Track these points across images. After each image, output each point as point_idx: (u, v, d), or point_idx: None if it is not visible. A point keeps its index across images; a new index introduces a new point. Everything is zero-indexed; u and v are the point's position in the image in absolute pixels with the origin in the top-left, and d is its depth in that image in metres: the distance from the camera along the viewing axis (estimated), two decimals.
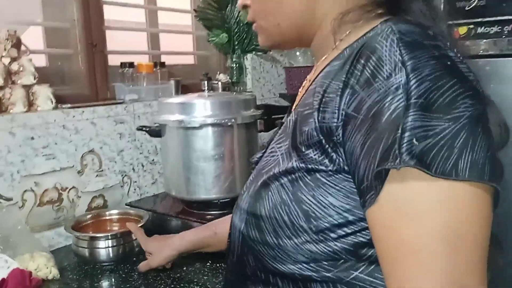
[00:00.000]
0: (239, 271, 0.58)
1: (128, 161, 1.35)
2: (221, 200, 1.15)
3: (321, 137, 0.47)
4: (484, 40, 1.05)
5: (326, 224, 0.48)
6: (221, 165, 1.13)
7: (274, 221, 0.50)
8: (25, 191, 1.14)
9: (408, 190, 0.41)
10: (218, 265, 1.03)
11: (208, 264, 1.04)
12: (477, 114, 0.41)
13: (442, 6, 1.09)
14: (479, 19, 1.05)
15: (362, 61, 0.45)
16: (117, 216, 1.19)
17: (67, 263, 1.09)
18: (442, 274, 0.39)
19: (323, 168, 0.47)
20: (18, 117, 1.12)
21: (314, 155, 0.48)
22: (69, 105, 1.24)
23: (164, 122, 1.16)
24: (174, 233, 1.16)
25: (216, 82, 1.58)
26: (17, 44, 1.16)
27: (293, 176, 0.50)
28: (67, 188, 1.22)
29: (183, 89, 1.56)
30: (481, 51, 1.04)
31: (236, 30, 1.67)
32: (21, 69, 1.15)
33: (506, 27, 1.01)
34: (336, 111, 0.46)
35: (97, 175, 1.27)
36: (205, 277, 0.98)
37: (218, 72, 1.70)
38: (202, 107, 1.13)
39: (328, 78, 0.49)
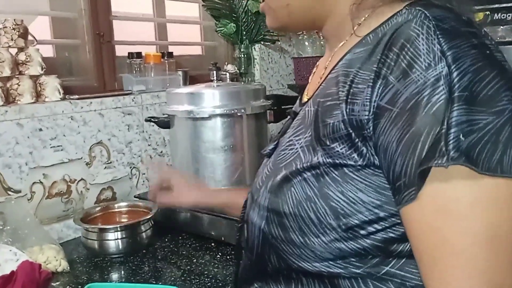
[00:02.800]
0: (259, 269, 0.56)
1: (136, 153, 1.34)
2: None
3: (350, 131, 0.44)
4: (502, 27, 1.01)
5: (356, 221, 0.45)
6: (230, 156, 1.12)
7: (299, 218, 0.48)
8: (34, 183, 1.13)
9: (453, 188, 0.39)
10: (228, 257, 1.02)
11: (218, 256, 1.03)
12: None
13: None
14: (496, 5, 1.02)
15: (396, 50, 0.42)
16: (126, 209, 1.18)
17: (76, 256, 1.08)
18: (484, 276, 0.38)
19: (352, 162, 0.45)
20: (26, 108, 1.11)
21: (341, 149, 0.45)
22: (76, 96, 1.22)
23: (172, 112, 1.15)
24: (183, 225, 1.16)
25: (224, 72, 1.56)
26: (24, 34, 1.14)
27: (318, 171, 0.47)
28: (75, 180, 1.21)
29: (191, 80, 1.55)
30: (498, 38, 1.01)
31: (244, 20, 1.65)
32: (28, 59, 1.14)
33: None
34: (368, 103, 0.43)
35: (105, 167, 1.27)
36: (216, 269, 0.97)
37: (226, 63, 1.68)
38: (211, 97, 1.11)
39: (353, 67, 0.46)
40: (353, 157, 0.45)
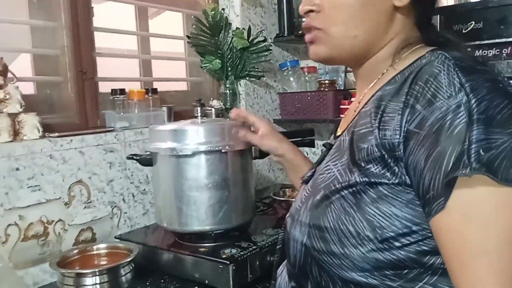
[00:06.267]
0: (300, 281, 0.61)
1: (118, 191, 1.30)
2: (215, 232, 1.10)
3: (383, 153, 0.51)
4: None
5: (390, 233, 0.51)
6: (214, 194, 1.08)
7: (339, 231, 0.54)
8: (9, 225, 1.08)
9: (476, 195, 0.45)
10: None
11: None
12: None
13: (438, 29, 1.08)
14: (477, 42, 1.03)
15: (421, 84, 0.50)
16: (105, 251, 1.13)
17: None
18: (508, 274, 0.44)
19: (385, 181, 0.51)
20: (2, 147, 1.07)
21: (375, 169, 0.52)
22: (56, 134, 1.19)
23: (155, 150, 1.12)
24: (165, 267, 1.11)
25: (209, 108, 1.54)
26: (3, 71, 1.12)
27: (355, 189, 0.53)
28: (53, 221, 1.16)
29: (175, 116, 1.53)
30: None
31: (229, 56, 1.66)
32: (7, 97, 1.11)
33: (504, 49, 1.00)
34: (398, 128, 0.50)
35: (85, 207, 1.22)
36: None
37: (212, 98, 1.68)
38: (194, 134, 1.09)
39: (384, 100, 0.54)
40: (387, 176, 0.51)
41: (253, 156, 1.19)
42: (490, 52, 1.01)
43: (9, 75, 1.15)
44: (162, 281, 1.08)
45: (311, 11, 0.61)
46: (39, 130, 1.15)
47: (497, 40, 1.00)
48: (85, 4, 1.35)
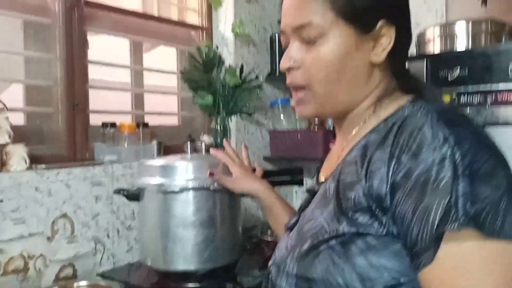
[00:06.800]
0: None
1: (103, 226, 1.27)
2: (200, 272, 1.07)
3: (371, 203, 0.51)
4: (468, 109, 1.05)
5: (379, 285, 0.51)
6: (201, 232, 1.07)
7: (327, 283, 0.53)
8: None
9: (464, 249, 0.45)
10: None
11: None
12: (511, 181, 0.48)
13: (425, 75, 1.11)
14: (462, 89, 1.06)
15: (406, 135, 0.51)
16: None
17: None
18: None
19: (373, 231, 0.51)
20: None
21: (363, 219, 0.52)
22: (43, 166, 1.18)
23: (143, 185, 1.11)
24: None
25: (200, 143, 1.55)
26: None
27: (343, 239, 0.53)
28: (34, 256, 1.12)
29: (166, 150, 1.52)
30: None
31: (221, 92, 1.68)
32: None
33: (489, 96, 1.03)
34: (385, 179, 0.50)
35: (68, 242, 1.19)
36: None
37: (202, 133, 1.68)
38: (183, 170, 1.08)
39: (370, 149, 0.54)
40: (374, 226, 0.51)
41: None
42: (474, 99, 1.04)
43: (0, 105, 1.15)
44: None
45: (290, 68, 0.62)
46: (26, 162, 1.14)
47: (481, 88, 1.03)
48: (81, 36, 1.37)
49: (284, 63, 0.62)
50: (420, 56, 1.22)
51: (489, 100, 1.02)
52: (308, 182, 1.81)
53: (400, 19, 0.60)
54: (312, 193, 0.66)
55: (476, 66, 1.06)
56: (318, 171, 0.72)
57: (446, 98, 1.07)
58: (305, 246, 0.57)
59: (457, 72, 1.07)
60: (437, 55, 1.22)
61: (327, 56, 0.59)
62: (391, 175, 0.50)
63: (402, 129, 0.52)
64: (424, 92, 0.60)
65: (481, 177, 0.46)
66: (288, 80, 0.63)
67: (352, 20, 0.58)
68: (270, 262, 0.66)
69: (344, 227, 0.53)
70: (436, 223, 0.46)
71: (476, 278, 0.45)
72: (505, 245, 0.45)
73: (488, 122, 1.03)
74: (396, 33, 0.59)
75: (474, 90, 1.04)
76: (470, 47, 1.20)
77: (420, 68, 1.12)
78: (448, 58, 1.14)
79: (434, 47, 1.26)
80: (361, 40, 0.59)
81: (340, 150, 0.64)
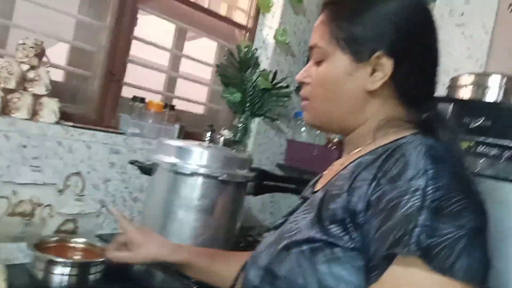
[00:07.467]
0: None
1: (111, 192, 1.33)
2: None
3: (346, 216, 0.55)
4: (482, 159, 1.06)
5: None
6: (201, 217, 1.11)
7: (289, 282, 0.57)
8: (1, 197, 1.11)
9: (409, 275, 0.48)
10: None
11: None
12: (478, 226, 0.50)
13: (447, 116, 1.12)
14: (482, 138, 1.07)
15: (392, 161, 0.54)
16: (82, 245, 1.14)
17: (18, 282, 1.03)
18: None
19: (342, 243, 0.54)
20: (18, 122, 1.12)
21: (336, 230, 0.55)
22: (71, 123, 1.24)
23: (157, 161, 1.16)
24: (135, 275, 1.11)
25: (219, 136, 1.59)
26: (40, 54, 1.19)
27: (314, 245, 0.56)
28: (42, 204, 1.19)
29: (186, 135, 1.58)
30: (477, 169, 1.06)
31: (250, 93, 1.72)
32: (36, 78, 1.18)
33: (506, 151, 1.03)
34: (364, 197, 0.54)
35: (76, 199, 1.25)
36: None
37: (224, 128, 1.73)
38: (198, 156, 1.13)
39: (360, 167, 0.58)
40: (344, 239, 0.54)
41: (248, 191, 1.22)
42: (491, 151, 1.05)
43: (44, 59, 1.22)
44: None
45: (304, 82, 0.69)
46: (56, 116, 1.21)
47: (500, 142, 1.04)
48: (132, 13, 1.44)
49: (298, 76, 0.70)
50: (448, 99, 1.23)
51: (505, 155, 1.03)
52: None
53: (406, 52, 0.62)
54: (304, 199, 0.70)
55: (501, 119, 1.07)
56: (316, 181, 0.76)
57: (464, 145, 1.09)
58: (281, 245, 0.61)
59: (480, 121, 1.08)
60: (464, 100, 1.23)
61: (325, 77, 0.65)
62: (370, 194, 0.53)
63: (391, 155, 0.55)
64: (439, 131, 0.61)
65: (446, 215, 0.48)
66: (301, 92, 0.71)
67: (347, 48, 0.63)
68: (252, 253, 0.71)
69: (317, 234, 0.57)
70: (390, 244, 0.48)
71: None
72: (451, 283, 0.47)
73: (499, 176, 1.04)
74: (399, 65, 0.61)
75: (493, 143, 1.05)
76: (499, 100, 1.21)
77: (445, 111, 1.14)
78: (475, 106, 1.15)
79: (465, 93, 1.27)
80: (356, 67, 0.63)
81: (340, 165, 0.68)
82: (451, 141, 0.61)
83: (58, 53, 1.41)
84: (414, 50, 0.64)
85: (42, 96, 1.19)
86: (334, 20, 0.65)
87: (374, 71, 0.62)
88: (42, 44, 1.20)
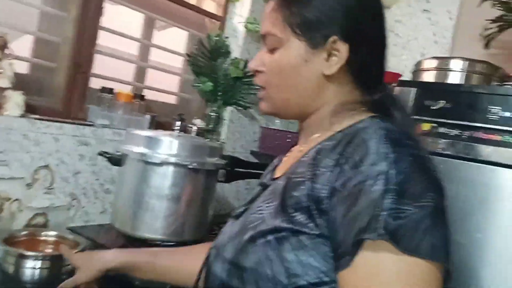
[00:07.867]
0: None
1: (81, 184, 1.32)
2: (164, 243, 1.12)
3: (310, 204, 0.55)
4: (443, 140, 1.10)
5: (303, 281, 0.54)
6: (172, 206, 1.12)
7: (256, 273, 0.57)
8: None
9: (379, 258, 0.49)
10: None
11: None
12: (439, 206, 0.51)
13: (411, 102, 1.16)
14: (443, 120, 1.11)
15: (353, 147, 0.55)
16: (53, 238, 1.14)
17: None
18: None
19: (307, 231, 0.54)
20: None
21: (301, 218, 0.55)
22: (37, 116, 1.23)
23: (126, 151, 1.16)
24: None
25: (191, 125, 1.59)
26: (2, 46, 1.17)
27: (279, 235, 0.56)
28: (10, 199, 1.17)
29: (158, 126, 1.57)
30: (438, 149, 1.09)
31: (222, 81, 1.72)
32: (0, 71, 1.15)
33: (465, 132, 1.07)
34: (327, 183, 0.54)
35: (45, 192, 1.24)
36: None
37: (196, 117, 1.73)
38: (167, 145, 1.13)
39: (321, 154, 0.58)
40: (309, 226, 0.54)
41: (219, 179, 1.23)
42: (452, 131, 1.09)
43: (7, 51, 1.19)
44: (101, 280, 1.08)
45: (258, 71, 0.68)
46: (21, 109, 1.19)
47: (461, 122, 1.08)
48: (98, 2, 1.42)
49: (250, 64, 0.69)
50: (411, 82, 1.27)
51: (464, 135, 1.07)
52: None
53: (359, 36, 0.63)
54: (264, 186, 0.69)
55: (460, 102, 1.11)
56: (274, 167, 0.75)
57: (426, 126, 1.12)
58: (246, 236, 0.60)
59: (441, 103, 1.12)
60: (426, 83, 1.27)
61: (280, 64, 0.65)
62: (333, 181, 0.54)
63: (352, 141, 0.56)
64: (393, 113, 0.62)
65: (409, 196, 0.49)
66: (255, 80, 0.70)
67: (302, 34, 0.63)
68: (211, 244, 0.69)
69: (282, 223, 0.56)
70: (358, 230, 0.49)
71: (385, 287, 0.48)
72: (418, 262, 0.48)
73: (459, 155, 1.08)
74: (354, 50, 0.62)
75: (453, 124, 1.09)
76: (461, 83, 1.25)
77: (408, 94, 1.17)
78: (436, 88, 1.19)
79: (428, 77, 1.31)
80: (312, 53, 0.63)
81: (299, 151, 0.68)
82: (406, 123, 0.62)
83: (22, 46, 1.37)
84: (367, 33, 0.64)
85: (6, 89, 1.17)
86: (286, 6, 0.64)
87: (330, 56, 0.63)
88: (5, 36, 1.17)
